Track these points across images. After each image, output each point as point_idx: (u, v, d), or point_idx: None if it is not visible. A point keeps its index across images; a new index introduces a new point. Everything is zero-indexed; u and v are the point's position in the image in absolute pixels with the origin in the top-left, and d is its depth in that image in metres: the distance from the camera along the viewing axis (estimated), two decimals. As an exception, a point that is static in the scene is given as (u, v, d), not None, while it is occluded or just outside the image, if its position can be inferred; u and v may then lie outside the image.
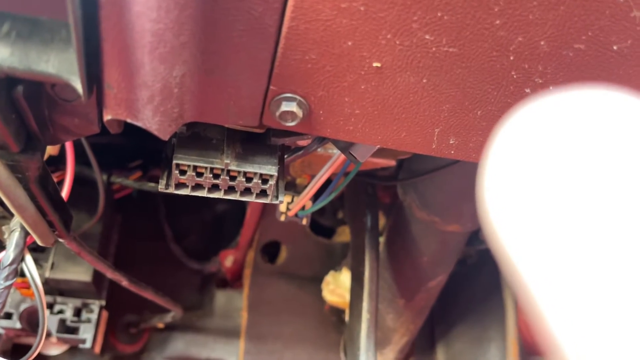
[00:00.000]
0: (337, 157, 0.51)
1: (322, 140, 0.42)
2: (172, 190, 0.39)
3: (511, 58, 0.32)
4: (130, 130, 0.36)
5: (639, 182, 0.16)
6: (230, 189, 0.40)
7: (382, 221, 0.84)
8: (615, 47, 0.32)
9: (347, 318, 0.87)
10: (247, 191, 0.40)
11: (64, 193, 0.55)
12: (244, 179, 0.39)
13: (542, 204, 0.16)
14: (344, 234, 0.97)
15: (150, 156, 0.83)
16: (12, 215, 0.46)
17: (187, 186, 0.39)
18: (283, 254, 0.99)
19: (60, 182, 0.61)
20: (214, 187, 0.40)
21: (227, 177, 0.39)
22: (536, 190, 0.17)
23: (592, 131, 0.17)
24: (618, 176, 0.16)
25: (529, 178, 0.17)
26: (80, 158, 0.65)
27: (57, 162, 0.67)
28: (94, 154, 0.68)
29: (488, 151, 0.19)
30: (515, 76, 0.33)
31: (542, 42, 0.31)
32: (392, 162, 0.61)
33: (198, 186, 0.39)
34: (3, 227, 0.49)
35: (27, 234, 0.47)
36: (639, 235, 0.15)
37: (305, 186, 0.65)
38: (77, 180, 0.59)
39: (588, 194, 0.16)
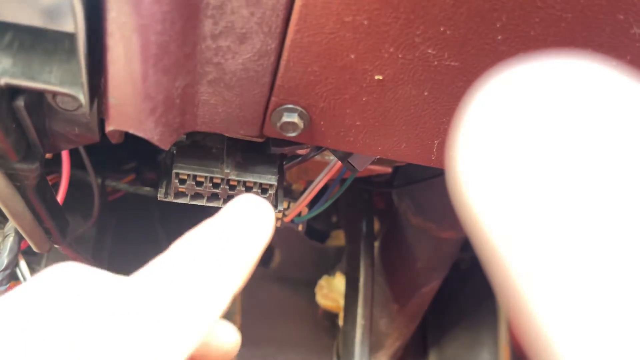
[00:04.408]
0: (333, 164, 0.51)
1: (320, 148, 0.42)
2: (171, 198, 0.39)
3: (512, 72, 0.32)
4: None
5: (612, 155, 0.15)
6: (230, 198, 0.40)
7: (376, 226, 0.84)
8: (614, 63, 0.32)
9: (340, 322, 0.87)
10: (246, 200, 0.40)
11: (59, 198, 0.54)
12: (243, 189, 0.39)
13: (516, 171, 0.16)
14: (337, 238, 0.97)
15: (143, 158, 0.82)
16: (6, 220, 0.45)
17: (187, 195, 0.39)
18: (276, 258, 0.99)
19: (54, 185, 0.61)
20: (213, 196, 0.40)
21: (227, 187, 0.39)
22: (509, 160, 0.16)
23: (563, 101, 0.16)
24: (589, 146, 0.15)
25: (500, 157, 0.16)
26: (72, 160, 0.64)
27: (50, 164, 0.66)
28: (85, 154, 0.67)
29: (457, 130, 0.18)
30: (515, 90, 0.33)
31: (542, 57, 0.31)
32: (388, 170, 0.61)
33: (197, 195, 0.39)
34: (-3, 233, 0.49)
35: (21, 238, 0.47)
36: (616, 216, 0.14)
37: (301, 192, 0.65)
38: (70, 183, 0.58)
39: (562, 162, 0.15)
